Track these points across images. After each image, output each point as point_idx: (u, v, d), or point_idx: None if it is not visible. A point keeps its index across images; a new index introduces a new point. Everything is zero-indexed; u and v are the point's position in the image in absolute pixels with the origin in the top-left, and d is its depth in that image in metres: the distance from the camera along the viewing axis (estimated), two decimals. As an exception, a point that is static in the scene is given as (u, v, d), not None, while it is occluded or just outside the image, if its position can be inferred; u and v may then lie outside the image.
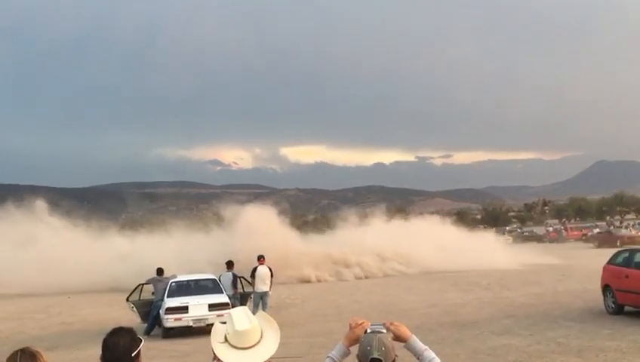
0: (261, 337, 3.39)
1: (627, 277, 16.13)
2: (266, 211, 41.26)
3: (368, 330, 3.41)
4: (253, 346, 3.33)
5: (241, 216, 39.53)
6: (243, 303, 18.11)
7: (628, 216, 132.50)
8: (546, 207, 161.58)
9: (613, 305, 16.62)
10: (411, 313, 19.56)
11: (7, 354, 3.21)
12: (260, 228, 35.48)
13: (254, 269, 19.99)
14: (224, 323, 3.53)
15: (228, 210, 41.76)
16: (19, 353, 3.18)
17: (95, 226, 45.80)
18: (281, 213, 43.90)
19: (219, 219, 45.13)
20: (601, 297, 17.42)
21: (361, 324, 3.48)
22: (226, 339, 3.35)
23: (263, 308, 18.00)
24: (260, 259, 20.27)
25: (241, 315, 3.42)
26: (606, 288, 17.15)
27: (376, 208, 51.63)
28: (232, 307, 17.27)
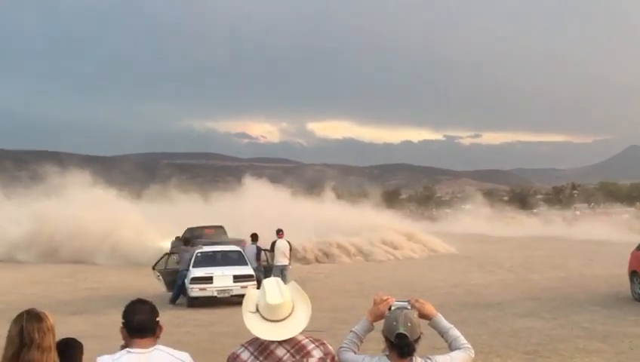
0: (292, 310, 3.32)
1: (655, 263, 15.90)
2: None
3: (393, 307, 3.39)
4: (284, 319, 3.27)
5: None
6: (267, 276, 18.20)
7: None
8: (575, 191, 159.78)
9: (639, 292, 16.41)
10: (434, 291, 19.48)
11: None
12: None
13: (273, 243, 20.15)
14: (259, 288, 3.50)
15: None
16: (24, 314, 3.24)
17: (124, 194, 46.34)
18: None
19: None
20: (628, 283, 17.21)
21: (385, 300, 3.46)
22: (257, 309, 3.31)
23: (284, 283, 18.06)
24: (279, 232, 20.37)
25: (273, 288, 3.34)
26: (633, 274, 16.90)
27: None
28: (257, 279, 17.41)
